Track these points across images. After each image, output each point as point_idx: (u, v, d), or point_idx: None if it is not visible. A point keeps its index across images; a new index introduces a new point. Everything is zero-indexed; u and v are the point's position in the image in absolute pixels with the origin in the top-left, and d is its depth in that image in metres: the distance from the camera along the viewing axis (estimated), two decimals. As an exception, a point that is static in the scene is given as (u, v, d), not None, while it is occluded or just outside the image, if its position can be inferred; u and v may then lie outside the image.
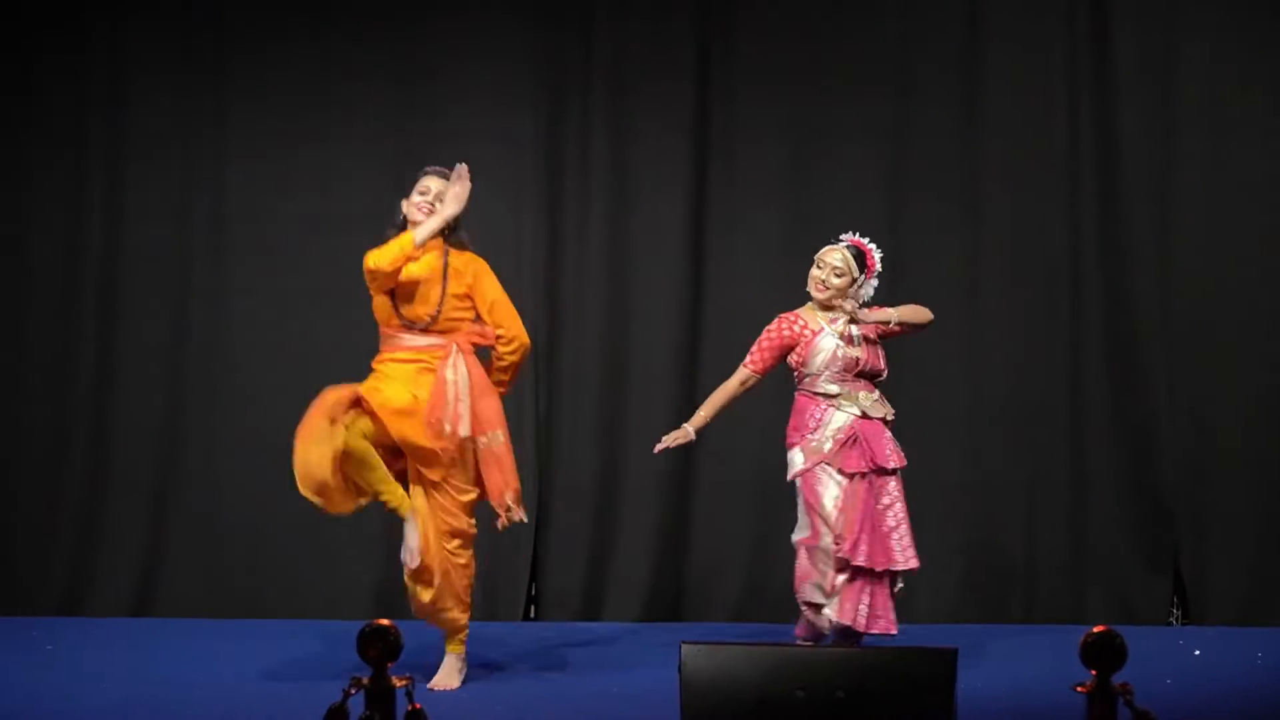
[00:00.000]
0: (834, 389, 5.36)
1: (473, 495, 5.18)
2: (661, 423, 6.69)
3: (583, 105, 6.81)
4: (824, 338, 5.39)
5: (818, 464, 5.34)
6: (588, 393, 6.78)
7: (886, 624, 5.31)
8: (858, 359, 5.38)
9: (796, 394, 5.45)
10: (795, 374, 5.47)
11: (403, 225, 5.21)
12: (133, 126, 6.92)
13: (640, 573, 6.72)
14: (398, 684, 3.21)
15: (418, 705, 3.23)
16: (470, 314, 5.24)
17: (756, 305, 6.71)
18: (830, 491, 5.31)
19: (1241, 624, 6.42)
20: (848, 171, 6.74)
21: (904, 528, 5.35)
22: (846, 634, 5.28)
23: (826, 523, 5.28)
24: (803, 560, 5.32)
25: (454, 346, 5.16)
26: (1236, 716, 4.83)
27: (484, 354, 5.32)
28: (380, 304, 5.23)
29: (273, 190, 6.95)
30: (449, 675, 5.18)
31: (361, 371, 6.83)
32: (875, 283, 5.50)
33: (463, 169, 5.21)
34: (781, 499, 6.54)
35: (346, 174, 6.90)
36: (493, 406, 5.18)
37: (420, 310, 5.17)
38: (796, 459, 5.38)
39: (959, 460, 6.61)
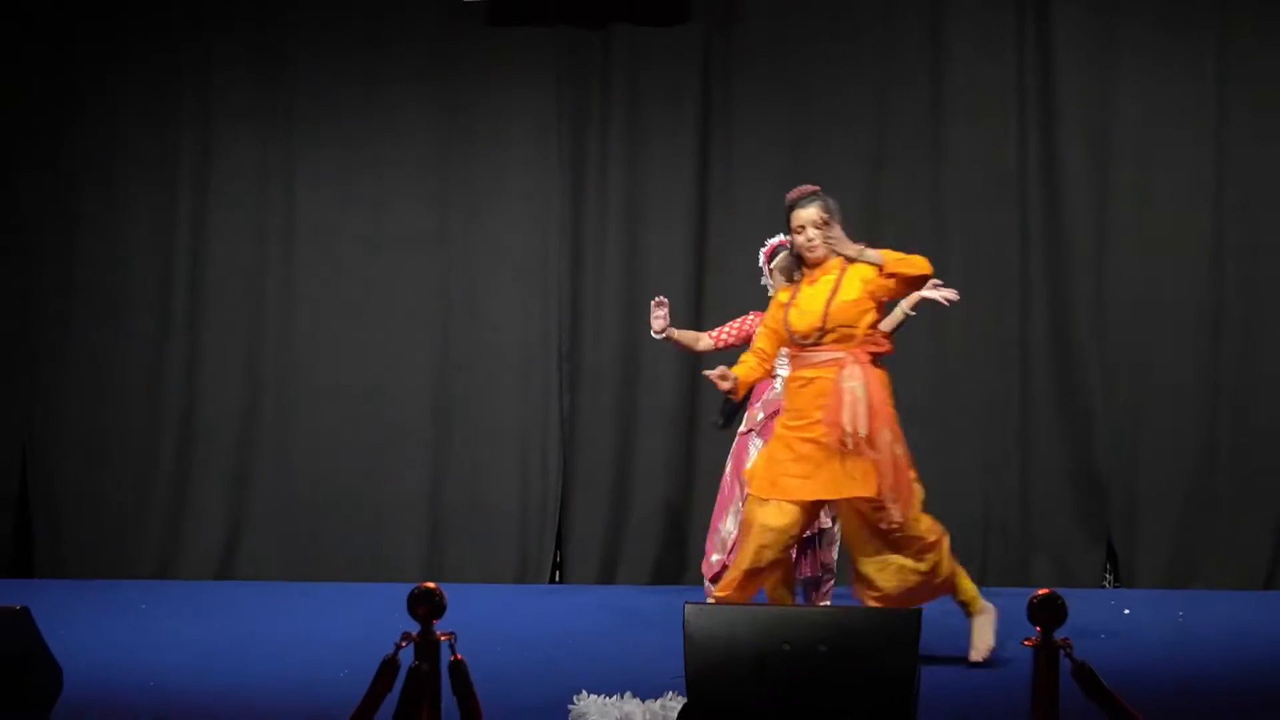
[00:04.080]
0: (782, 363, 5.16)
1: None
2: (668, 413, 6.73)
3: (601, 140, 6.81)
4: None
5: (748, 432, 5.34)
6: (605, 388, 6.79)
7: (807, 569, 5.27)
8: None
9: None
10: None
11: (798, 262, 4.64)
12: (216, 158, 6.93)
13: (650, 543, 6.72)
14: (442, 638, 3.21)
15: (459, 656, 3.23)
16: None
17: (748, 310, 6.73)
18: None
19: (1165, 587, 6.40)
20: (831, 196, 6.71)
21: None
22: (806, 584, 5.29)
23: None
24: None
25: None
26: (1161, 666, 4.83)
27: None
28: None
29: (336, 211, 6.97)
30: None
31: (406, 373, 6.91)
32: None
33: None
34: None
35: (398, 198, 6.90)
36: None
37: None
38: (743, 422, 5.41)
39: (924, 446, 6.55)
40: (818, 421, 4.52)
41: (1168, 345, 6.54)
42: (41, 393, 6.94)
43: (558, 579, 6.78)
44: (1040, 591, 3.33)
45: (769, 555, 4.54)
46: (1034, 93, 6.61)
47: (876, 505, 4.51)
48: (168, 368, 6.92)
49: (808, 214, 4.63)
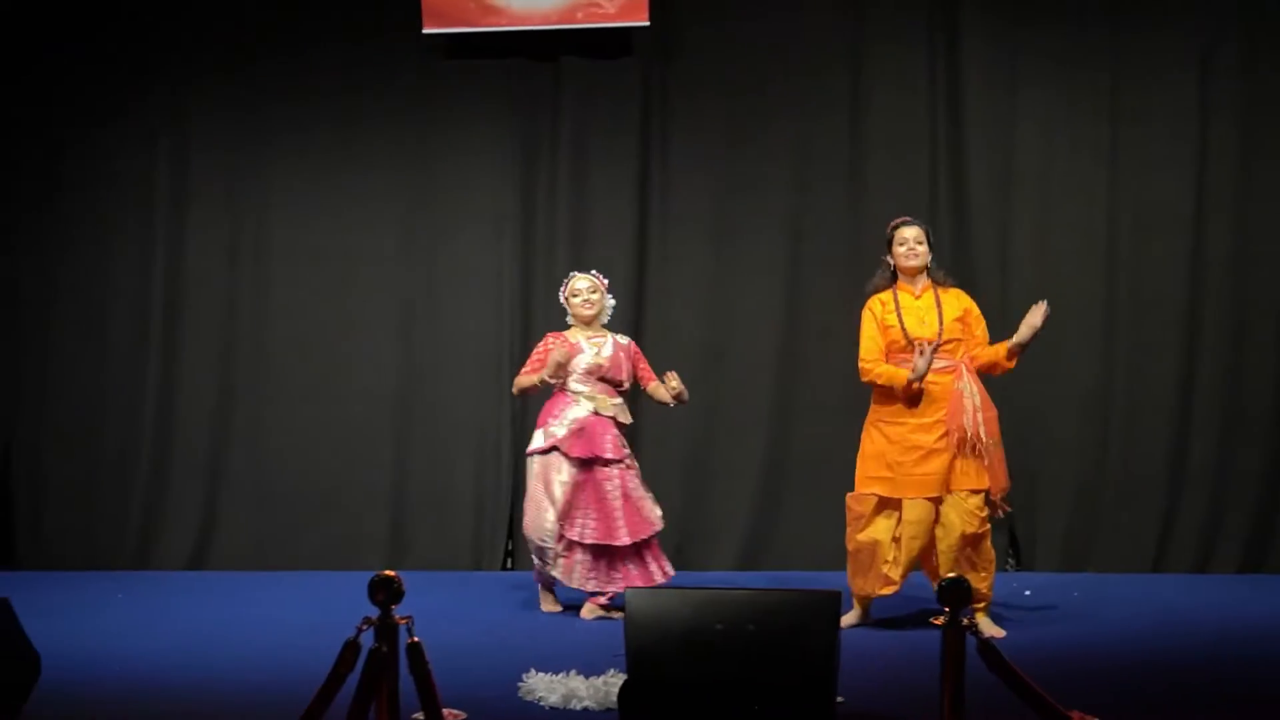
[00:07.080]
0: (581, 389, 5.37)
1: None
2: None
3: (550, 166, 6.79)
4: (582, 355, 5.42)
5: (551, 447, 5.31)
6: (551, 391, 6.74)
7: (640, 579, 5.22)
8: (601, 365, 5.40)
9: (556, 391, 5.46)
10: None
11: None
12: (193, 180, 6.86)
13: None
14: (400, 622, 3.19)
15: (416, 639, 3.21)
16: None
17: (684, 321, 6.76)
18: (560, 476, 5.27)
19: (1062, 570, 6.48)
20: (759, 222, 6.74)
21: (627, 504, 5.30)
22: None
23: (553, 504, 5.26)
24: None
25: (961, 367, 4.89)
26: (1056, 640, 4.88)
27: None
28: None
29: (305, 230, 6.90)
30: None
31: (372, 377, 6.85)
32: (611, 298, 5.65)
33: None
34: (703, 472, 6.58)
35: (363, 218, 6.85)
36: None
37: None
38: (537, 439, 5.37)
39: (846, 445, 6.62)
40: (938, 422, 4.84)
41: (1063, 355, 6.60)
42: (24, 393, 6.83)
43: (509, 566, 6.75)
44: (949, 574, 3.36)
45: (919, 544, 4.89)
46: (944, 128, 6.66)
47: (981, 502, 4.84)
48: (145, 371, 6.83)
49: (911, 232, 5.05)
